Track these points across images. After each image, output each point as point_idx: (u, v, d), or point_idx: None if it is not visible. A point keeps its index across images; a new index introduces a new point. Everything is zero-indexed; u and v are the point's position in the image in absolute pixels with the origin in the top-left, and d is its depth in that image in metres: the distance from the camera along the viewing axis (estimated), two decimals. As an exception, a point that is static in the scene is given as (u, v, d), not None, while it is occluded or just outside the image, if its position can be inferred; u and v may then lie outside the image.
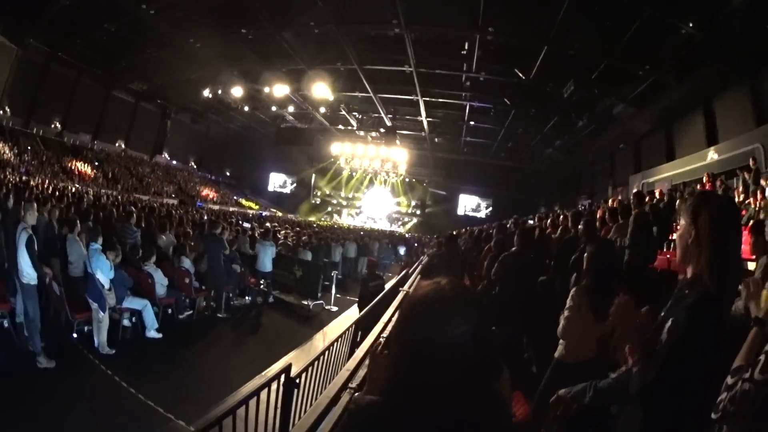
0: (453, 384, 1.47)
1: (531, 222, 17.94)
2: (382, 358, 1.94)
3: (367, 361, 4.25)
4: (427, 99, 37.90)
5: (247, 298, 16.22)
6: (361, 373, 3.90)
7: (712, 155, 23.69)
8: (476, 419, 1.50)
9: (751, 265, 6.61)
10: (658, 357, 2.32)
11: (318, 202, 66.93)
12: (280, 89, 38.07)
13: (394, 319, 5.96)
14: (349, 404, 1.63)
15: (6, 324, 9.02)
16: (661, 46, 22.65)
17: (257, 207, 58.94)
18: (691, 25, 20.09)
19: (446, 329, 1.50)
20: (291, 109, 45.88)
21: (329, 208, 66.78)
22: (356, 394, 3.53)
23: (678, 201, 14.18)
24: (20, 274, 8.33)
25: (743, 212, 12.20)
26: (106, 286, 9.63)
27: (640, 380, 2.43)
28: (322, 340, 12.77)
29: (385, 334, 5.14)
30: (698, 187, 17.83)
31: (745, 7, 18.03)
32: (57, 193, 22.93)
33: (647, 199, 15.36)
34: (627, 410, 2.55)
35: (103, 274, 9.58)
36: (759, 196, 13.30)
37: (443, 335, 1.49)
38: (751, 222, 9.17)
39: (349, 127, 52.43)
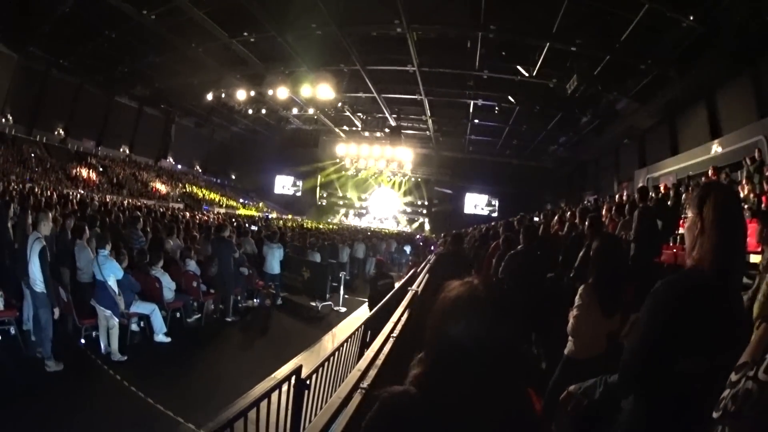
0: (484, 380, 1.52)
1: (537, 219, 17.94)
2: None
3: (378, 360, 4.27)
4: (431, 98, 37.94)
5: (255, 300, 16.22)
6: (372, 372, 3.91)
7: (716, 148, 23.66)
8: (506, 414, 1.55)
9: (756, 258, 6.58)
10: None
11: (324, 204, 66.81)
12: (283, 92, 38.02)
13: (403, 319, 5.97)
14: (380, 393, 1.65)
15: (13, 331, 9.04)
16: (662, 40, 22.64)
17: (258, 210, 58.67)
18: (691, 18, 20.06)
19: (481, 328, 1.55)
20: (295, 111, 46.01)
21: (336, 209, 66.67)
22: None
23: (684, 194, 14.18)
24: (32, 282, 8.36)
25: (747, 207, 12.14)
26: (117, 291, 9.66)
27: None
28: (331, 341, 12.76)
29: (395, 334, 5.15)
30: (703, 179, 17.81)
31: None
32: (62, 200, 22.94)
33: (653, 194, 15.38)
34: (628, 402, 2.55)
35: (116, 277, 9.62)
36: (765, 186, 13.29)
37: (477, 334, 1.55)
38: (757, 212, 9.17)
39: (354, 128, 52.45)
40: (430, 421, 1.53)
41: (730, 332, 2.18)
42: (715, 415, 1.68)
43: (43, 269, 8.35)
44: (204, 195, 51.37)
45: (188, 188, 51.36)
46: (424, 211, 64.15)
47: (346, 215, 66.13)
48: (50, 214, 9.60)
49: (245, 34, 30.23)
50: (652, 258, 8.71)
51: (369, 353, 4.64)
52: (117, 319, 9.51)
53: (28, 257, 8.36)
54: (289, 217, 52.58)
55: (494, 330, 1.55)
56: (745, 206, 11.90)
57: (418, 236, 49.03)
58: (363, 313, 14.89)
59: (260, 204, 61.52)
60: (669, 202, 13.11)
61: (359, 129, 51.81)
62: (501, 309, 1.61)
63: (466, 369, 1.54)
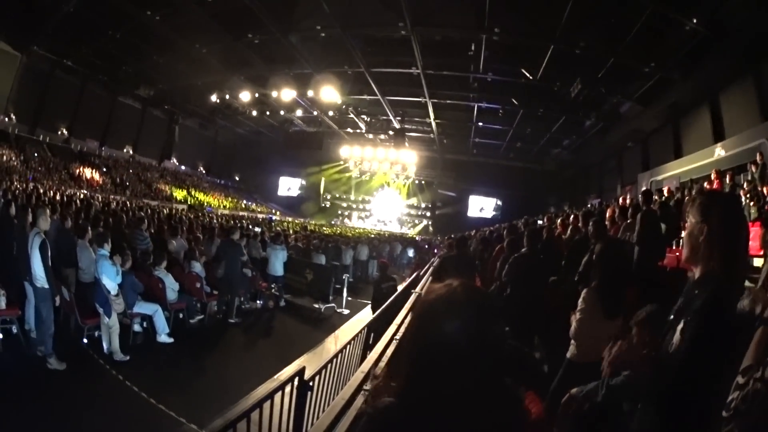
0: (468, 384, 1.48)
1: (540, 222, 17.94)
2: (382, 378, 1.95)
3: (381, 363, 4.28)
4: (435, 101, 37.94)
5: (258, 302, 16.23)
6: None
7: (719, 151, 23.59)
8: (493, 418, 1.51)
9: (758, 261, 6.60)
10: (672, 359, 2.33)
11: (328, 206, 66.73)
12: (287, 93, 38.12)
13: (406, 321, 5.98)
14: (366, 407, 1.64)
15: (15, 330, 9.08)
16: (665, 43, 22.66)
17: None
18: (694, 20, 20.08)
19: (459, 330, 1.51)
20: (299, 113, 45.91)
21: (339, 212, 66.65)
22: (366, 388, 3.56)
23: (687, 199, 14.16)
24: (34, 277, 8.41)
25: (753, 203, 12.15)
26: (113, 292, 9.68)
27: (651, 383, 2.44)
28: (334, 343, 12.72)
29: (398, 336, 5.17)
30: (706, 183, 17.81)
31: (747, 1, 18.04)
32: (65, 199, 22.95)
33: (657, 197, 15.37)
34: (641, 409, 2.55)
35: (109, 279, 9.63)
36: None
37: (456, 337, 1.50)
38: (762, 217, 9.19)
39: (358, 130, 52.38)
40: None
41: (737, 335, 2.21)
42: (725, 414, 1.71)
43: (44, 262, 8.40)
44: (200, 201, 50.83)
45: (192, 192, 51.13)
46: (428, 214, 64.19)
47: (349, 217, 66.13)
48: (48, 210, 9.62)
49: (249, 35, 30.24)
50: (656, 261, 8.71)
51: (372, 355, 4.67)
52: (109, 318, 9.54)
53: (29, 253, 8.40)
54: (290, 219, 52.29)
55: (474, 333, 1.51)
56: (751, 203, 11.95)
57: (420, 238, 49.04)
58: (366, 315, 14.87)
59: (261, 207, 61.27)
60: (673, 206, 13.06)
61: (363, 131, 51.70)
62: (482, 312, 1.57)
63: (446, 375, 1.50)
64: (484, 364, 1.51)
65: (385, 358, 4.43)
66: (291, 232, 28.62)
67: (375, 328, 7.48)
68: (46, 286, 8.47)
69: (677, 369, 2.30)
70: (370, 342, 7.18)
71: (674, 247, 10.35)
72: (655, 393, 2.43)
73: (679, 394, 2.29)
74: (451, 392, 1.48)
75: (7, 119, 36.64)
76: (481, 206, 61.80)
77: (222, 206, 50.86)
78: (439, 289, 1.64)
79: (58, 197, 23.78)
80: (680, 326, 2.31)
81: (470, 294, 1.61)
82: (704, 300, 2.29)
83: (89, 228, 11.20)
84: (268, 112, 45.33)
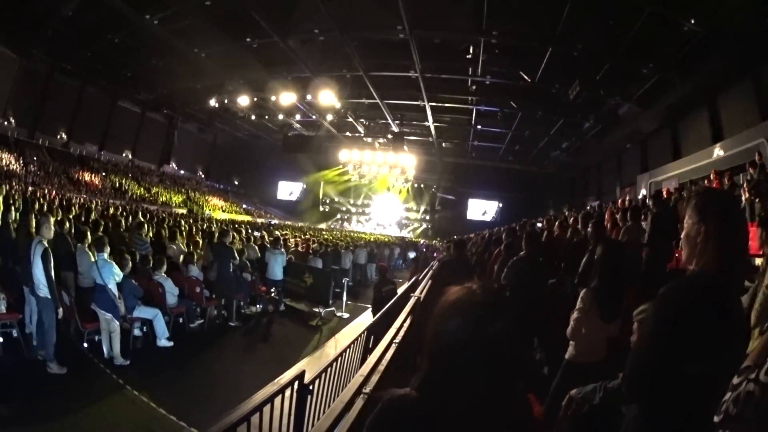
0: (483, 382, 1.54)
1: (539, 225, 17.93)
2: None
3: (381, 366, 4.29)
4: (434, 104, 37.90)
5: (258, 306, 16.20)
6: (375, 378, 3.92)
7: (717, 152, 23.63)
8: (504, 417, 1.58)
9: (758, 261, 6.61)
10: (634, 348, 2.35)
11: (327, 210, 66.78)
12: (286, 97, 38.10)
13: (406, 324, 5.99)
14: (382, 395, 1.69)
15: (15, 333, 9.07)
16: (663, 44, 22.67)
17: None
18: (692, 21, 20.10)
19: (478, 331, 1.57)
20: (298, 116, 45.83)
21: (338, 216, 66.68)
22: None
23: (686, 199, 14.13)
24: (36, 286, 8.38)
25: (758, 200, 12.14)
26: (117, 294, 9.68)
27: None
28: (333, 346, 12.72)
29: (397, 340, 5.17)
30: (705, 182, 17.82)
31: (746, 1, 18.06)
32: (64, 203, 22.91)
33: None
34: (631, 408, 2.56)
35: (116, 280, 9.64)
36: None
37: (475, 336, 1.56)
38: (759, 217, 9.18)
39: (357, 134, 52.26)
40: (429, 424, 1.55)
41: (734, 334, 2.21)
42: (716, 419, 1.69)
43: (46, 271, 8.36)
44: (200, 205, 50.70)
45: (192, 197, 51.07)
46: (427, 217, 64.26)
47: (348, 221, 66.10)
48: (51, 218, 9.62)
49: (248, 39, 30.25)
50: (666, 263, 8.72)
51: (372, 359, 4.65)
52: (117, 323, 9.55)
53: (31, 261, 8.39)
54: (288, 224, 52.03)
55: (491, 333, 1.56)
56: (756, 199, 11.95)
57: (421, 242, 49.00)
58: (366, 318, 14.91)
59: (258, 212, 61.12)
60: (674, 207, 13.06)
61: (362, 135, 51.68)
62: (498, 312, 1.63)
63: (464, 371, 1.55)
64: (499, 363, 1.57)
65: (384, 362, 4.43)
66: (290, 236, 28.60)
67: (375, 332, 7.48)
68: (49, 295, 8.45)
69: (635, 356, 2.33)
70: (370, 345, 7.18)
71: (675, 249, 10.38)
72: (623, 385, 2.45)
73: (639, 383, 2.31)
74: (466, 389, 1.55)
75: (6, 123, 36.62)
76: (481, 209, 61.90)
77: (219, 210, 50.92)
78: (460, 290, 1.70)
79: (56, 201, 23.71)
80: None
81: (490, 296, 1.68)
82: (669, 284, 2.30)
83: (89, 233, 11.22)
84: (266, 116, 45.40)
